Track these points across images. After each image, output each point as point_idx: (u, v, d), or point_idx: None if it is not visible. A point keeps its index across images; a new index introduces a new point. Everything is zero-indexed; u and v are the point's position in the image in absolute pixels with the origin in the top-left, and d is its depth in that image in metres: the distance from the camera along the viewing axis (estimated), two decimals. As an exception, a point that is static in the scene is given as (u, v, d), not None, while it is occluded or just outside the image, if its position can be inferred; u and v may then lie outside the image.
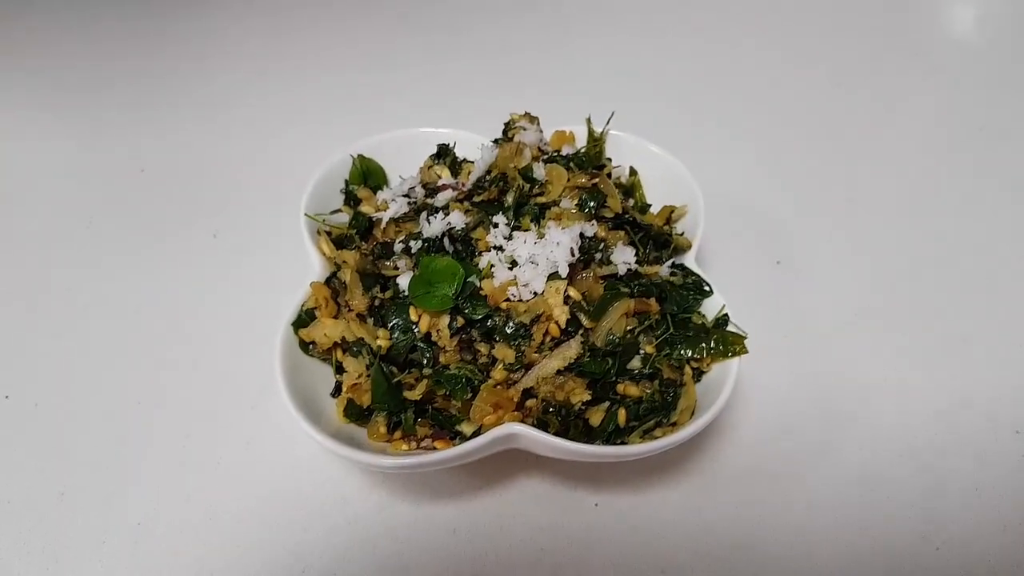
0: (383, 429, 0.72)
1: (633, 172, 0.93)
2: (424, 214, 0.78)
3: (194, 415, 0.86)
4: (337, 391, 0.75)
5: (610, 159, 0.92)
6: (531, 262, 0.72)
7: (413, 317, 0.72)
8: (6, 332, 0.96)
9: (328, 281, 0.79)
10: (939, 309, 0.97)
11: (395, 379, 0.72)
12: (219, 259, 1.04)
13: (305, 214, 0.84)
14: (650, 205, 0.91)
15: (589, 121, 0.94)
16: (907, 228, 1.09)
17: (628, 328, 0.72)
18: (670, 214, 0.87)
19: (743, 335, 0.75)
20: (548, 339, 0.71)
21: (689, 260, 0.83)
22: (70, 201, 1.15)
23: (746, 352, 0.74)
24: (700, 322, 0.77)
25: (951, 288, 1.00)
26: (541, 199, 0.78)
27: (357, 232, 0.82)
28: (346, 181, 0.91)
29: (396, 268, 0.77)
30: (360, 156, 0.92)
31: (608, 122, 0.93)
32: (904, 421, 0.85)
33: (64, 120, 1.35)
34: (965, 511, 0.78)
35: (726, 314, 0.77)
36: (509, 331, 0.70)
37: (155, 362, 0.91)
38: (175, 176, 1.19)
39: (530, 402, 0.71)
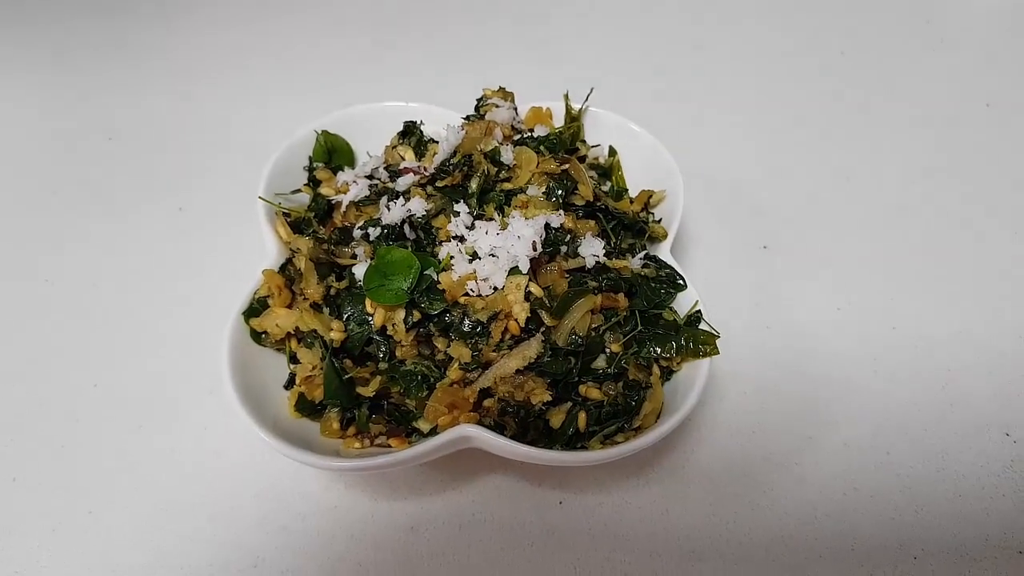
0: (336, 425, 0.70)
1: (612, 152, 0.89)
2: (384, 199, 0.74)
3: (150, 400, 0.84)
4: (291, 383, 0.73)
5: (585, 141, 0.87)
6: (491, 255, 0.68)
7: (369, 309, 0.69)
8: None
9: (283, 268, 0.76)
10: (930, 302, 0.93)
11: (348, 375, 0.69)
12: (183, 235, 1.01)
13: (260, 197, 0.80)
14: (627, 190, 0.86)
15: (567, 97, 0.89)
16: (901, 217, 1.04)
17: (593, 326, 0.69)
18: (648, 199, 0.83)
19: (715, 334, 0.71)
20: (507, 337, 0.68)
21: (664, 250, 0.79)
22: (34, 169, 1.12)
23: (717, 353, 0.70)
24: (671, 319, 0.73)
25: (943, 280, 0.96)
26: (507, 185, 0.74)
27: (315, 216, 0.79)
28: (310, 158, 0.87)
29: (354, 256, 0.73)
30: (325, 132, 0.88)
31: (587, 99, 0.88)
32: (887, 421, 0.82)
33: (30, 86, 1.30)
34: (947, 516, 0.75)
35: (699, 311, 0.73)
36: (466, 329, 0.67)
37: (113, 342, 0.89)
38: (143, 146, 1.15)
39: (488, 402, 0.68)
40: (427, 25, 1.41)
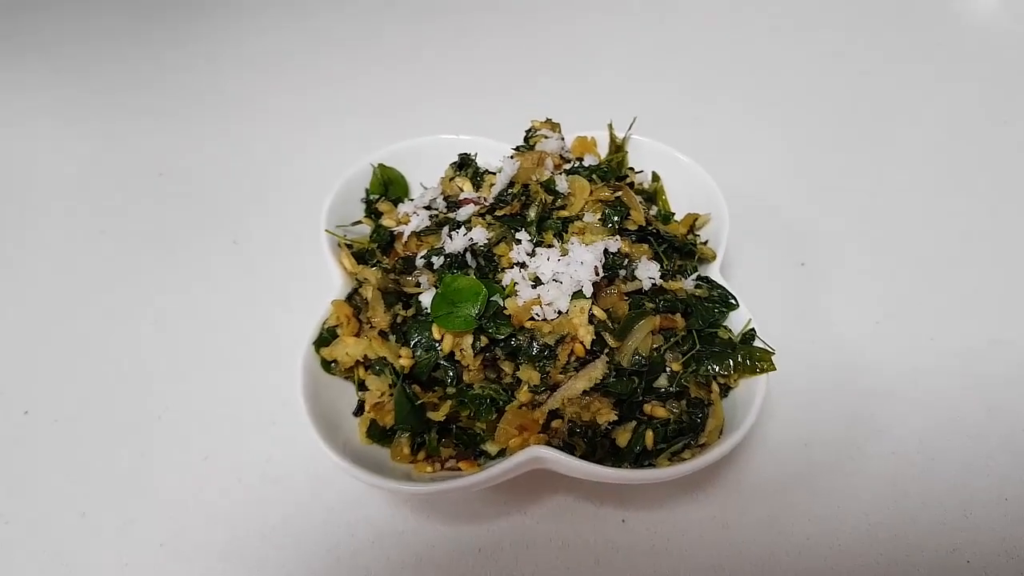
0: (406, 450, 0.71)
1: (656, 178, 0.92)
2: (446, 229, 0.77)
3: (215, 431, 0.85)
4: (360, 410, 0.75)
5: (632, 168, 0.90)
6: (555, 280, 0.70)
7: (436, 335, 0.71)
8: (22, 344, 0.95)
9: (349, 297, 0.78)
10: (968, 312, 0.95)
11: (419, 401, 0.71)
12: (239, 267, 1.03)
13: (327, 230, 0.83)
14: (673, 214, 0.89)
15: (611, 127, 0.92)
16: (935, 228, 1.06)
17: (654, 346, 0.71)
18: (693, 222, 0.86)
19: (771, 351, 0.73)
20: (573, 359, 0.70)
21: (714, 271, 0.81)
22: (87, 205, 1.15)
23: (774, 369, 0.72)
24: (727, 337, 0.76)
25: (980, 290, 0.98)
26: (563, 212, 0.77)
27: (378, 246, 0.81)
28: (367, 191, 0.90)
29: (418, 285, 0.75)
30: (381, 165, 0.90)
31: (630, 127, 0.91)
32: (933, 429, 0.84)
33: (82, 123, 1.33)
34: (996, 522, 0.77)
35: (753, 328, 0.76)
36: (534, 352, 0.69)
37: (174, 375, 0.91)
38: (193, 181, 1.18)
39: (556, 423, 0.70)
40: (471, 59, 1.46)
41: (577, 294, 0.70)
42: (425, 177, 0.90)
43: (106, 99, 1.37)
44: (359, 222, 0.87)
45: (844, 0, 1.58)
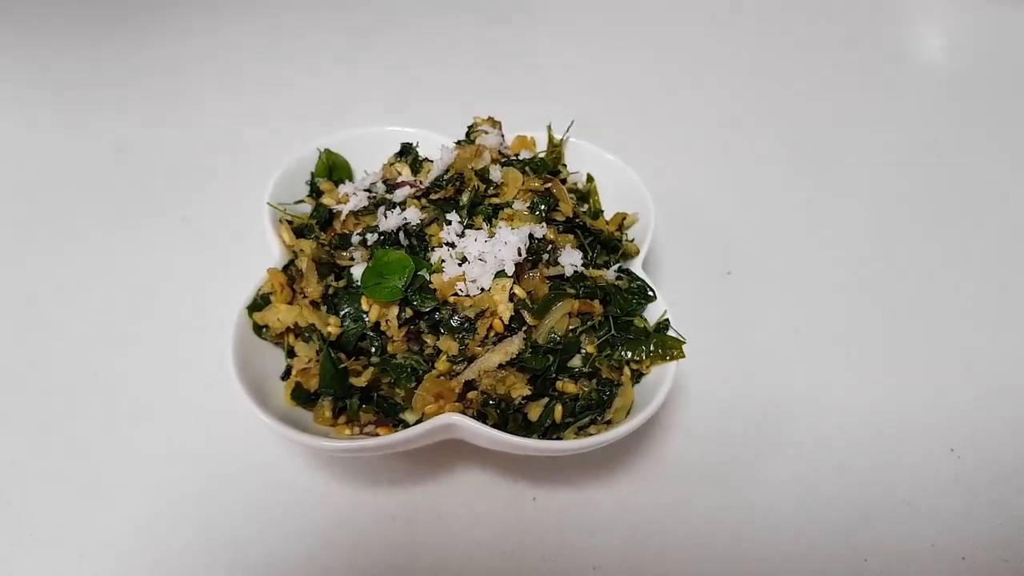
0: (328, 413, 0.74)
1: (590, 179, 0.96)
2: (382, 208, 0.81)
3: (149, 391, 0.88)
4: (287, 374, 0.78)
5: (565, 165, 0.94)
6: (480, 259, 0.74)
7: (364, 307, 0.74)
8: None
9: (286, 268, 0.82)
10: (883, 327, 1.00)
11: (342, 365, 0.74)
12: (186, 242, 1.06)
13: (268, 203, 0.86)
14: (603, 211, 0.94)
15: (549, 128, 0.97)
16: (859, 243, 1.12)
17: (570, 327, 0.75)
18: (622, 221, 0.90)
19: (682, 340, 0.77)
20: (492, 334, 0.73)
21: (636, 266, 0.85)
22: (44, 177, 1.17)
23: (683, 356, 0.76)
24: (642, 326, 0.80)
25: (897, 306, 1.03)
26: (495, 200, 0.81)
27: (317, 222, 0.85)
28: (312, 174, 0.94)
29: (351, 259, 0.79)
30: (327, 150, 0.94)
31: (568, 130, 0.96)
32: (841, 435, 0.88)
33: (41, 96, 1.36)
34: (896, 526, 0.81)
35: (667, 319, 0.80)
36: (455, 324, 0.73)
37: (115, 337, 0.93)
38: (149, 159, 1.21)
39: (471, 394, 0.73)
40: (421, 58, 1.50)
41: (500, 273, 0.74)
42: (369, 165, 0.94)
43: (68, 81, 1.39)
44: (302, 201, 0.91)
45: (788, 18, 1.66)
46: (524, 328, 0.74)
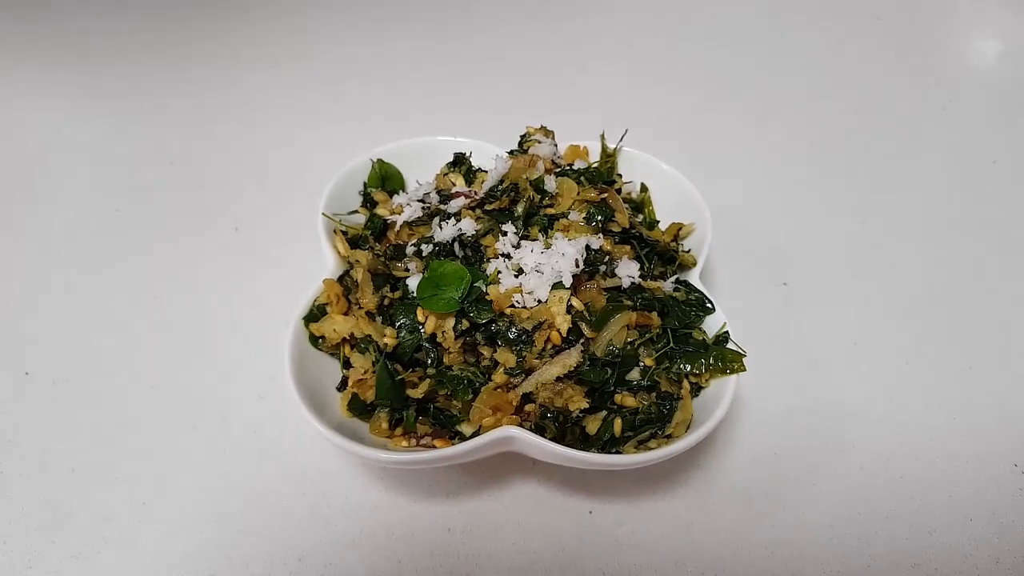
0: (385, 425, 0.74)
1: (644, 189, 0.95)
2: (437, 219, 0.81)
3: (204, 401, 0.88)
4: (343, 385, 0.78)
5: (620, 175, 0.93)
6: (536, 271, 0.74)
7: (420, 318, 0.74)
8: (30, 312, 0.99)
9: (341, 279, 0.82)
10: (944, 339, 0.98)
11: (399, 377, 0.74)
12: (239, 252, 1.07)
13: (323, 213, 0.87)
14: (658, 221, 0.93)
15: (603, 137, 0.96)
16: (917, 256, 1.09)
17: (628, 340, 0.74)
18: (677, 231, 0.89)
19: (742, 353, 0.76)
20: (549, 346, 0.72)
21: (694, 277, 0.84)
22: (98, 189, 1.19)
23: (744, 370, 0.75)
24: (701, 338, 0.78)
25: (957, 318, 1.00)
26: (550, 210, 0.80)
27: (372, 233, 0.85)
28: (365, 184, 0.94)
29: (407, 270, 0.79)
30: (379, 160, 0.95)
31: (621, 139, 0.95)
32: (901, 451, 0.86)
33: (95, 110, 1.39)
34: (958, 544, 0.78)
35: (727, 331, 0.78)
36: (512, 336, 0.72)
37: (171, 348, 0.94)
38: (202, 170, 1.22)
39: (529, 407, 0.72)
40: (475, 68, 1.51)
41: (557, 285, 0.73)
42: (422, 175, 0.94)
43: (121, 90, 1.42)
44: (355, 211, 0.91)
45: (846, 30, 1.63)
46: (582, 340, 0.73)
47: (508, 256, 0.76)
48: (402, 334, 0.75)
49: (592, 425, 0.73)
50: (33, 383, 0.90)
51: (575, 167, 0.88)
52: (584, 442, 0.73)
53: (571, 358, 0.72)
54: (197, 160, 1.24)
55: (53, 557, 0.76)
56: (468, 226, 0.78)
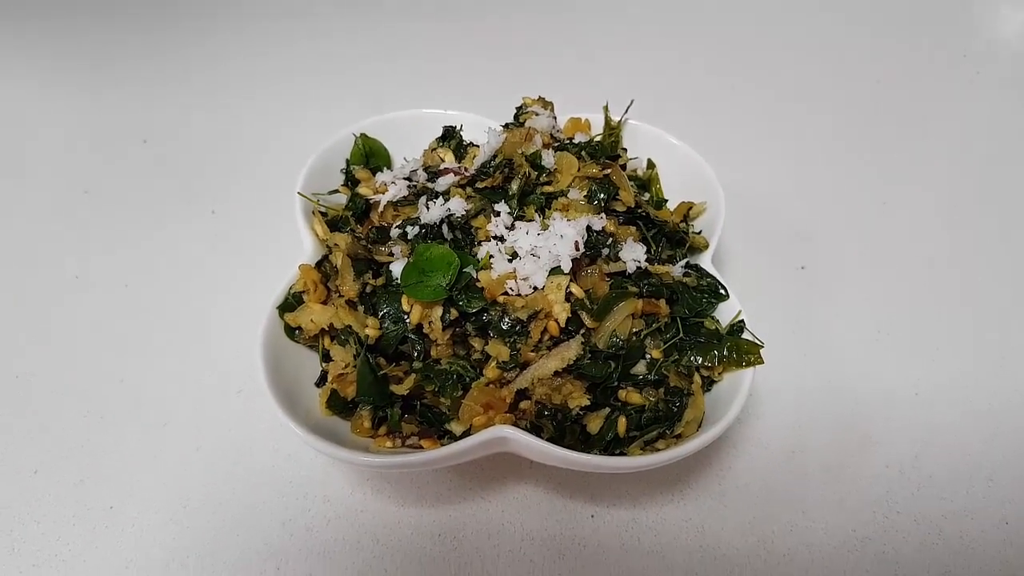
0: (367, 423, 0.69)
1: (651, 165, 0.89)
2: (424, 199, 0.74)
3: (177, 397, 0.83)
4: (322, 380, 0.71)
5: (626, 150, 0.87)
6: (532, 255, 0.67)
7: (405, 307, 0.68)
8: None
9: (319, 265, 0.76)
10: (974, 328, 0.92)
11: (382, 371, 0.68)
12: (215, 237, 1.02)
13: (299, 193, 0.80)
14: (666, 201, 0.86)
15: (606, 109, 0.89)
16: (944, 239, 1.03)
17: (634, 330, 0.68)
18: (687, 211, 0.83)
19: (759, 344, 0.69)
20: (546, 337, 0.66)
21: (705, 261, 0.78)
22: (69, 167, 1.13)
23: (761, 362, 0.69)
24: (713, 327, 0.72)
25: (988, 305, 0.94)
26: (548, 188, 0.74)
27: (353, 214, 0.79)
28: (347, 161, 0.88)
29: (391, 254, 0.72)
30: (363, 135, 0.88)
31: (627, 111, 0.88)
32: (931, 446, 0.80)
33: (69, 86, 1.32)
34: (992, 550, 0.72)
35: (742, 320, 0.72)
36: (505, 327, 0.66)
37: (141, 340, 0.89)
38: (177, 149, 1.17)
39: (524, 404, 0.66)
40: (465, 37, 1.44)
41: (555, 270, 0.67)
42: (409, 151, 0.88)
43: (96, 71, 1.36)
44: (336, 191, 0.85)
45: (864, 8, 1.55)
46: (582, 331, 0.67)
47: (501, 239, 0.70)
48: (385, 325, 0.69)
49: (594, 424, 0.67)
50: (-6, 378, 0.85)
51: (575, 141, 0.81)
52: (585, 442, 0.67)
53: (570, 351, 0.66)
54: (172, 137, 1.18)
55: (13, 566, 0.70)
56: (457, 206, 0.72)
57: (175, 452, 0.78)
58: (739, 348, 0.69)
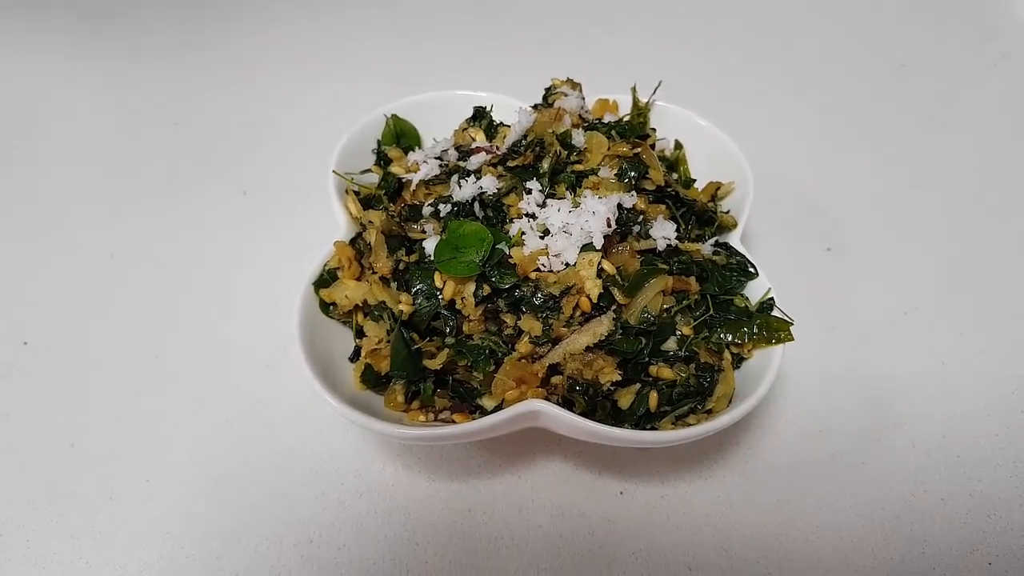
0: (400, 398, 0.69)
1: (678, 146, 0.89)
2: (455, 177, 0.75)
3: (210, 372, 0.84)
4: (356, 356, 0.72)
5: (654, 130, 0.86)
6: (564, 231, 0.68)
7: (438, 283, 0.69)
8: (29, 278, 0.95)
9: (353, 242, 0.76)
10: (1001, 308, 0.91)
11: (415, 346, 0.68)
12: (247, 216, 1.02)
13: (334, 171, 0.81)
14: (694, 180, 0.86)
15: (634, 90, 0.89)
16: (966, 219, 1.03)
17: (665, 307, 0.68)
18: (715, 191, 0.83)
19: (789, 321, 0.70)
20: (578, 313, 0.67)
21: (734, 240, 0.78)
22: (102, 150, 1.14)
23: (791, 339, 0.69)
24: (743, 305, 0.72)
25: (1009, 284, 0.94)
26: (579, 167, 0.74)
27: (386, 193, 0.79)
28: (378, 141, 0.88)
29: (423, 231, 0.73)
30: (394, 116, 0.89)
31: (655, 92, 0.88)
32: (959, 425, 0.80)
33: (101, 70, 1.33)
34: (1020, 528, 0.72)
35: (771, 298, 0.72)
36: (537, 302, 0.66)
37: (175, 317, 0.90)
38: (208, 131, 1.17)
39: (556, 379, 0.67)
40: (495, 18, 1.43)
41: (587, 246, 0.67)
42: (439, 132, 0.88)
43: (127, 49, 1.36)
44: (369, 170, 0.85)
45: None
46: (613, 307, 0.67)
47: (533, 216, 0.70)
48: (418, 300, 0.69)
49: (625, 399, 0.67)
50: (31, 353, 0.86)
51: (604, 121, 0.81)
52: (616, 417, 0.67)
53: (602, 326, 0.66)
54: (203, 120, 1.19)
55: (52, 536, 0.72)
56: (489, 184, 0.72)
57: (208, 427, 0.79)
58: (769, 325, 0.69)
